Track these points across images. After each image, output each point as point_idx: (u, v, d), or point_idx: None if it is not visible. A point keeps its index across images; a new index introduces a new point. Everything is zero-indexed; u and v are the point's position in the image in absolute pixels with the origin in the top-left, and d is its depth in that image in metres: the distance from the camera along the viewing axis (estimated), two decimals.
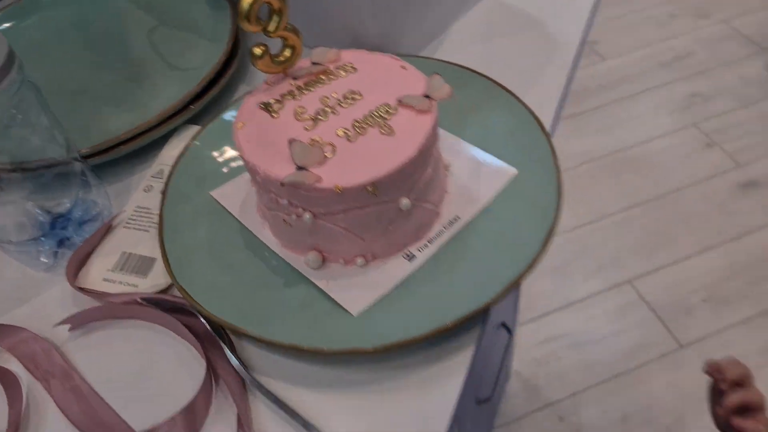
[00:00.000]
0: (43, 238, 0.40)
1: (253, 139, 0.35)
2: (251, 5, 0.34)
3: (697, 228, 1.42)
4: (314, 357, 0.35)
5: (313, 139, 0.34)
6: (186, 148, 0.45)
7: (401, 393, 0.33)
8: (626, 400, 1.18)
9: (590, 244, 1.43)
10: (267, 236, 0.39)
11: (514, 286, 0.34)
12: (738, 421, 0.48)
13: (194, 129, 0.48)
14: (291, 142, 0.33)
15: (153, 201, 0.43)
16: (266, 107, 0.37)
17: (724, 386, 0.49)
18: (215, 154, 0.44)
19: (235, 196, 0.42)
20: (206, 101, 0.49)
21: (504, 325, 0.88)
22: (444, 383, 0.34)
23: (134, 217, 0.43)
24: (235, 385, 0.33)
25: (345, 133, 0.34)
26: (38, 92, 0.38)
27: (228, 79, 0.51)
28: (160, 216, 0.40)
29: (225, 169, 0.43)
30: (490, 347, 0.83)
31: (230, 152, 0.44)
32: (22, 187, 0.39)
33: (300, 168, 0.33)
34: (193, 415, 0.32)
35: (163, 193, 0.42)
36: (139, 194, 0.44)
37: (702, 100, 1.71)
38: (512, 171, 0.40)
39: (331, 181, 0.32)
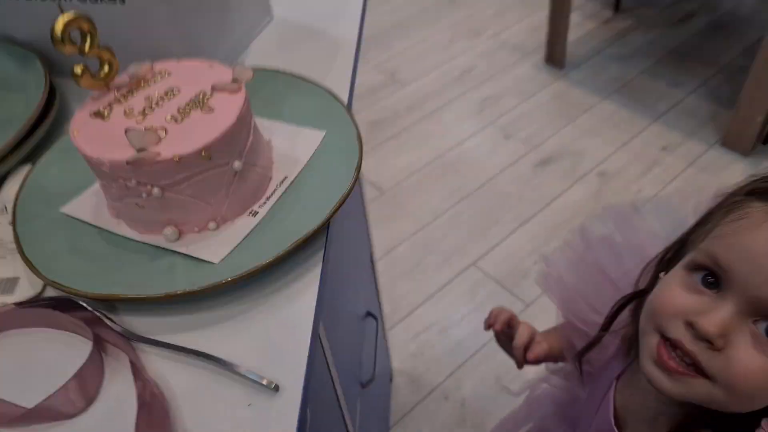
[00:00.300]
0: None
1: (92, 140, 0.40)
2: (63, 30, 0.40)
3: (514, 206, 1.65)
4: (189, 299, 0.40)
5: (146, 127, 0.40)
6: (24, 181, 0.48)
7: (269, 312, 0.40)
8: (495, 363, 1.32)
9: (433, 241, 1.59)
10: (124, 230, 0.44)
11: (337, 210, 0.43)
12: (530, 354, 0.62)
13: (27, 167, 0.51)
14: (127, 131, 0.39)
15: (4, 233, 0.46)
16: (97, 114, 0.42)
17: (498, 327, 0.63)
18: (54, 181, 0.48)
19: (86, 207, 0.46)
20: (33, 142, 0.52)
21: (370, 314, 0.97)
22: (304, 295, 0.41)
23: None
24: (123, 345, 0.37)
25: (172, 118, 0.41)
26: None
27: (52, 120, 0.54)
28: (15, 235, 0.43)
29: (67, 191, 0.47)
30: (361, 333, 0.91)
31: (67, 175, 0.48)
32: None
33: (140, 150, 0.39)
34: (84, 379, 0.36)
35: (13, 216, 0.44)
36: None
37: (492, 102, 2.00)
38: (321, 133, 0.50)
39: (169, 153, 0.39)
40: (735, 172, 1.74)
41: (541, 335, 0.64)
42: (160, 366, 0.37)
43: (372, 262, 1.02)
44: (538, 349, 0.61)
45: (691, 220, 0.45)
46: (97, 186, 0.46)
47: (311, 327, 0.39)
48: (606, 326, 0.50)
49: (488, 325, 0.66)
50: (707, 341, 0.36)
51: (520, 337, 0.62)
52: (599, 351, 0.52)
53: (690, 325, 0.37)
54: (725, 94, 1.94)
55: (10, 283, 0.42)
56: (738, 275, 0.36)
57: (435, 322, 1.41)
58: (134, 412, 0.35)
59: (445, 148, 1.84)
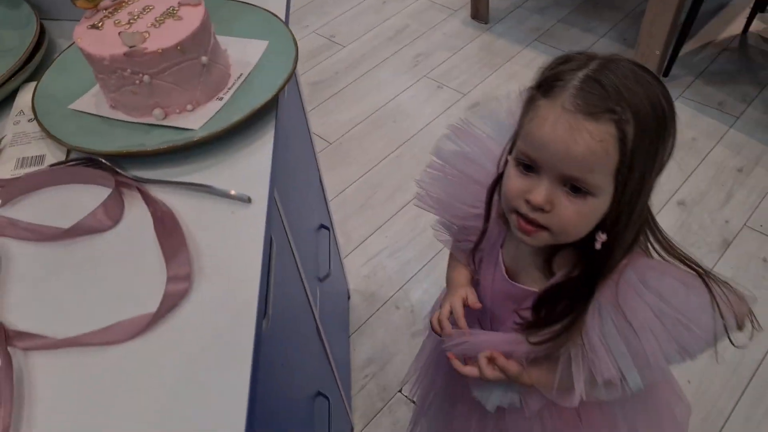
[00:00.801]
0: None
1: (93, 43, 0.55)
2: None
3: None
4: (177, 152, 0.55)
5: (135, 30, 0.55)
6: (35, 91, 0.61)
7: (234, 163, 0.55)
8: (437, 274, 1.51)
9: (378, 181, 1.76)
10: (122, 117, 0.58)
11: (284, 85, 0.59)
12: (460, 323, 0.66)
13: (33, 83, 0.64)
14: (120, 33, 0.54)
15: (25, 128, 0.60)
16: (93, 26, 0.56)
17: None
18: (58, 88, 0.62)
19: (89, 103, 0.60)
20: (35, 64, 0.66)
21: (323, 226, 1.13)
22: (265, 146, 0.56)
23: (14, 142, 0.59)
24: (135, 185, 0.52)
25: (152, 24, 0.56)
26: None
27: (45, 48, 0.68)
28: (39, 122, 0.57)
29: (70, 95, 0.61)
30: (315, 239, 1.08)
31: (68, 84, 0.62)
32: None
33: (132, 46, 0.53)
34: (108, 206, 0.51)
35: (33, 112, 0.58)
36: (11, 127, 0.60)
37: (424, 57, 2.17)
38: (265, 42, 0.65)
39: (154, 46, 0.54)
40: None
41: (452, 289, 0.72)
42: (162, 197, 0.53)
43: (321, 184, 1.18)
44: (458, 308, 0.68)
45: (508, 120, 0.60)
46: (95, 89, 0.60)
47: (270, 161, 0.55)
48: (487, 216, 0.64)
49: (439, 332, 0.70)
50: (541, 209, 0.53)
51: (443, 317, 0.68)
52: (487, 239, 0.67)
53: (527, 202, 0.53)
54: (632, 36, 2.16)
55: (39, 159, 0.56)
56: (542, 162, 0.51)
57: (384, 247, 1.59)
58: (152, 224, 0.50)
59: (383, 101, 2.00)
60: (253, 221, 0.51)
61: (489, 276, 0.68)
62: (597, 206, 0.52)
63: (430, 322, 0.71)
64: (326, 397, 0.91)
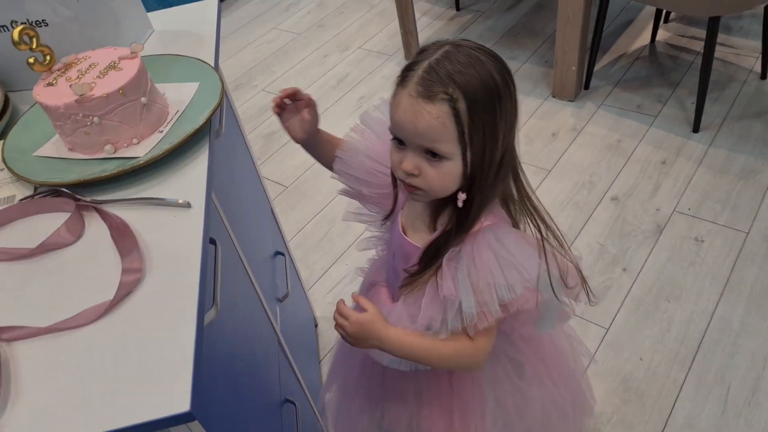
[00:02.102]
0: None
1: (50, 97, 0.66)
2: (19, 36, 0.66)
3: None
4: (124, 176, 0.65)
5: (83, 82, 0.67)
6: (3, 146, 0.72)
7: (175, 180, 0.66)
8: None
9: (333, 216, 1.87)
10: (78, 155, 0.69)
11: (213, 113, 0.71)
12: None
13: (1, 141, 0.75)
14: (71, 85, 0.65)
15: None
16: (48, 84, 0.68)
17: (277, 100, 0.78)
18: (22, 142, 0.73)
19: (50, 149, 0.71)
20: (2, 124, 0.77)
21: (279, 253, 1.24)
22: (201, 162, 0.68)
23: None
24: (92, 206, 0.63)
25: (98, 76, 0.68)
26: None
27: (9, 114, 0.79)
28: (8, 168, 0.68)
29: (33, 146, 0.72)
30: (272, 263, 1.18)
31: (30, 138, 0.73)
32: None
33: (81, 95, 0.65)
34: (71, 225, 0.61)
35: (3, 160, 0.69)
36: None
37: (366, 99, 2.34)
38: (196, 84, 0.77)
39: (100, 92, 0.65)
40: (566, 114, 2.15)
41: None
42: (117, 212, 0.63)
43: (274, 214, 1.29)
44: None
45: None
46: (55, 137, 0.72)
47: (206, 174, 0.66)
48: (394, 182, 0.77)
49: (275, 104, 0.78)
50: (413, 175, 0.66)
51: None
52: (397, 209, 0.79)
53: (403, 171, 0.66)
54: (551, 57, 2.36)
55: (10, 199, 0.67)
56: (404, 138, 0.65)
57: (344, 275, 1.69)
58: (109, 235, 0.61)
59: None
60: (194, 221, 0.61)
61: (394, 237, 0.79)
62: (453, 167, 0.65)
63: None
64: (293, 404, 0.99)
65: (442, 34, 2.64)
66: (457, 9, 2.80)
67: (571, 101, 2.19)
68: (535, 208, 0.73)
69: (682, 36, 2.38)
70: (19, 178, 0.67)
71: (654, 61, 2.31)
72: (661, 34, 2.40)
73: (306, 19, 2.97)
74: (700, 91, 1.88)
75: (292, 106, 0.79)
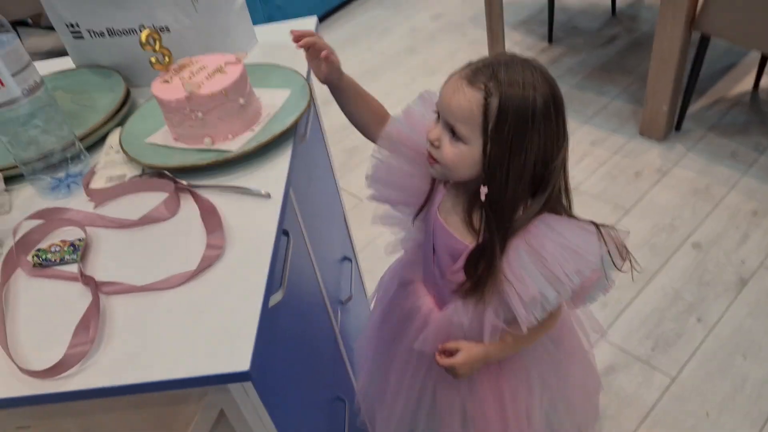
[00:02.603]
0: (62, 181, 0.76)
1: (164, 92, 0.76)
2: (146, 38, 0.77)
3: None
4: (219, 166, 0.74)
5: (194, 81, 0.76)
6: (121, 132, 0.83)
7: (260, 173, 0.74)
8: None
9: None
10: (181, 145, 0.79)
11: (299, 118, 0.78)
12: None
13: (119, 128, 0.86)
14: (183, 84, 0.75)
15: (113, 158, 0.81)
16: (165, 81, 0.78)
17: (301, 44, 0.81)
18: (138, 130, 0.83)
19: (159, 138, 0.81)
20: (121, 115, 0.88)
21: (346, 258, 1.30)
22: (281, 164, 0.75)
23: (104, 166, 0.80)
24: (187, 189, 0.71)
25: (206, 78, 0.77)
26: (54, 101, 0.75)
27: (129, 104, 0.91)
28: (124, 150, 0.78)
29: (146, 133, 0.82)
30: (339, 267, 1.24)
31: (144, 127, 0.83)
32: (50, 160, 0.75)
33: (190, 92, 0.74)
34: (169, 203, 0.69)
35: (120, 145, 0.80)
36: (103, 157, 0.81)
37: None
38: (288, 91, 0.85)
39: (206, 91, 0.74)
40: (652, 154, 2.10)
41: None
42: (208, 196, 0.71)
43: (346, 223, 1.36)
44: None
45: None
46: (164, 128, 0.81)
47: (287, 172, 0.73)
48: (432, 180, 0.82)
49: (296, 38, 0.81)
50: (433, 145, 0.72)
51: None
52: (430, 203, 0.83)
53: (428, 139, 0.73)
54: (642, 95, 2.32)
55: (121, 177, 0.77)
56: (440, 110, 0.71)
57: None
58: (199, 215, 0.69)
59: None
60: (272, 211, 0.68)
61: (437, 234, 0.82)
62: (468, 152, 0.70)
63: None
64: (344, 401, 1.04)
65: None
66: (550, 41, 2.81)
67: (660, 141, 2.13)
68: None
69: None
70: (131, 159, 0.77)
71: (755, 108, 2.21)
72: (766, 81, 2.29)
73: (398, 43, 3.07)
74: None
75: (314, 51, 0.82)
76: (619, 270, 0.75)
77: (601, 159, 2.11)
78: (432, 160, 0.74)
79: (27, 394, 0.54)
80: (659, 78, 2.01)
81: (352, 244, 1.38)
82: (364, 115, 0.90)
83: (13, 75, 0.69)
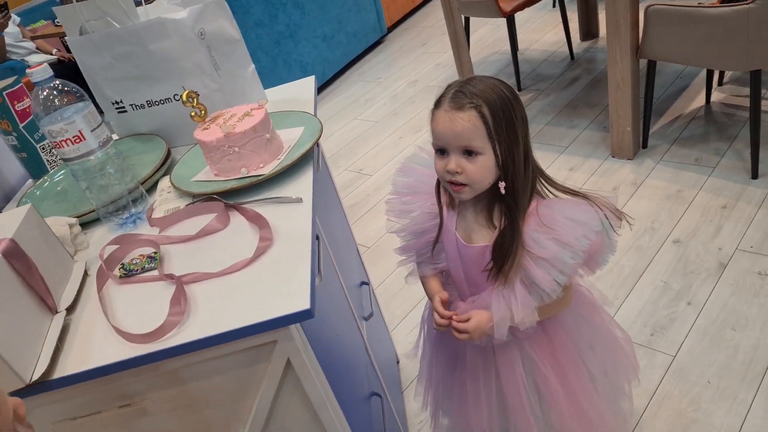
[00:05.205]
0: (128, 218, 0.93)
1: (205, 136, 0.95)
2: (187, 97, 0.97)
3: None
4: (252, 187, 0.91)
5: (228, 124, 0.95)
6: (169, 177, 1.01)
7: (289, 188, 0.92)
8: None
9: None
10: (222, 178, 0.97)
11: (315, 143, 0.97)
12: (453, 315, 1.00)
13: (167, 176, 1.05)
14: (220, 126, 0.94)
15: (166, 197, 0.98)
16: (204, 128, 0.97)
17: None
18: (183, 173, 1.02)
19: (202, 176, 0.99)
20: (164, 169, 1.07)
21: (363, 283, 1.45)
22: (305, 179, 0.93)
23: (161, 203, 0.97)
24: (235, 206, 0.89)
25: (237, 121, 0.96)
26: (120, 154, 0.94)
27: (170, 159, 1.09)
28: (175, 187, 0.96)
29: (190, 174, 1.01)
30: (358, 288, 1.39)
31: (187, 171, 1.02)
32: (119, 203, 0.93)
33: (227, 132, 0.93)
34: (219, 218, 0.86)
35: (172, 184, 0.98)
36: (158, 198, 0.99)
37: None
38: (302, 128, 1.05)
39: (239, 130, 0.93)
40: (625, 171, 2.30)
41: (432, 297, 1.01)
42: (251, 208, 0.88)
43: (359, 254, 1.53)
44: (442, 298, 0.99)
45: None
46: (206, 169, 1.00)
47: (311, 182, 0.91)
48: (439, 202, 0.98)
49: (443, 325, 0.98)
50: (457, 172, 0.87)
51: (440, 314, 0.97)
52: (445, 230, 0.98)
53: (448, 172, 0.88)
54: (609, 123, 2.55)
55: (177, 208, 0.94)
56: (445, 145, 0.87)
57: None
58: (247, 224, 0.86)
59: None
60: (304, 211, 0.86)
61: (454, 256, 0.98)
62: (487, 161, 0.85)
63: (435, 324, 1.00)
64: (380, 396, 1.16)
65: None
66: (519, 90, 3.09)
67: (630, 159, 2.34)
68: (565, 189, 0.93)
69: (737, 96, 2.51)
70: (183, 193, 0.95)
71: (710, 119, 2.44)
72: (716, 96, 2.54)
73: (382, 109, 3.35)
74: (753, 139, 2.00)
75: None
76: (615, 231, 0.89)
77: (581, 181, 2.31)
78: (459, 186, 0.88)
79: (138, 354, 0.69)
80: (618, 103, 2.25)
81: (366, 273, 1.54)
82: None
83: (91, 131, 0.87)
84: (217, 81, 1.11)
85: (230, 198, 0.92)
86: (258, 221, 0.83)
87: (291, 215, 0.86)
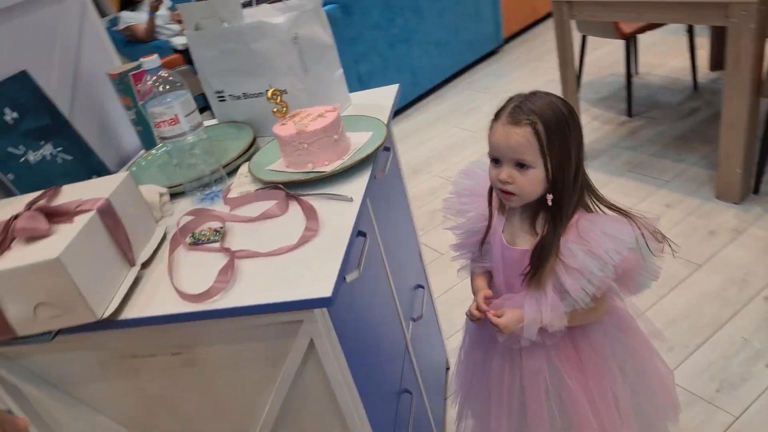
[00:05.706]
0: (208, 194, 1.06)
1: (281, 131, 1.06)
2: (272, 95, 1.08)
3: None
4: (318, 181, 1.01)
5: (302, 122, 1.05)
6: (249, 164, 1.14)
7: (347, 186, 1.00)
8: None
9: None
10: (291, 170, 1.07)
11: (378, 149, 1.04)
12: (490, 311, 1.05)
13: (247, 162, 1.17)
14: (295, 123, 1.04)
15: (243, 181, 1.11)
16: (282, 124, 1.08)
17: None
18: (261, 162, 1.14)
19: (276, 166, 1.10)
20: (248, 155, 1.19)
21: (419, 286, 1.51)
22: (361, 180, 1.01)
23: (237, 185, 1.10)
24: (294, 196, 0.99)
25: (311, 120, 1.06)
26: (208, 138, 1.07)
27: (255, 147, 1.22)
28: (252, 174, 1.08)
29: (267, 163, 1.12)
30: (413, 291, 1.45)
31: (266, 159, 1.13)
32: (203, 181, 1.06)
33: (300, 129, 1.03)
34: (280, 205, 0.96)
35: (249, 171, 1.10)
36: (236, 180, 1.12)
37: None
38: (370, 133, 1.13)
39: (311, 129, 1.03)
40: (728, 215, 2.16)
41: (476, 292, 1.07)
42: (308, 201, 0.98)
43: (421, 258, 1.58)
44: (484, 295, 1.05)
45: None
46: (280, 160, 1.11)
47: (365, 185, 0.99)
48: (490, 204, 1.03)
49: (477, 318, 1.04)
50: (508, 182, 0.92)
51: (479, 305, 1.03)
52: (493, 232, 1.04)
53: (500, 180, 0.93)
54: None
55: (249, 191, 1.06)
56: (499, 155, 0.92)
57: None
58: (302, 213, 0.95)
59: None
60: (353, 210, 0.93)
61: (498, 257, 1.02)
62: (538, 174, 0.89)
63: (470, 313, 1.05)
64: (410, 393, 1.22)
65: (610, 138, 2.81)
66: (629, 115, 2.97)
67: (737, 203, 2.19)
68: (610, 206, 0.95)
69: None
70: (255, 179, 1.06)
71: None
72: None
73: (484, 120, 3.34)
74: None
75: None
76: (651, 252, 0.91)
77: (675, 219, 2.20)
78: (509, 195, 0.94)
79: (186, 311, 0.80)
80: (730, 142, 2.11)
81: (426, 277, 1.59)
82: None
83: (185, 116, 1.01)
84: (304, 81, 1.22)
85: (293, 189, 1.02)
86: (309, 213, 0.93)
87: (341, 212, 0.94)
